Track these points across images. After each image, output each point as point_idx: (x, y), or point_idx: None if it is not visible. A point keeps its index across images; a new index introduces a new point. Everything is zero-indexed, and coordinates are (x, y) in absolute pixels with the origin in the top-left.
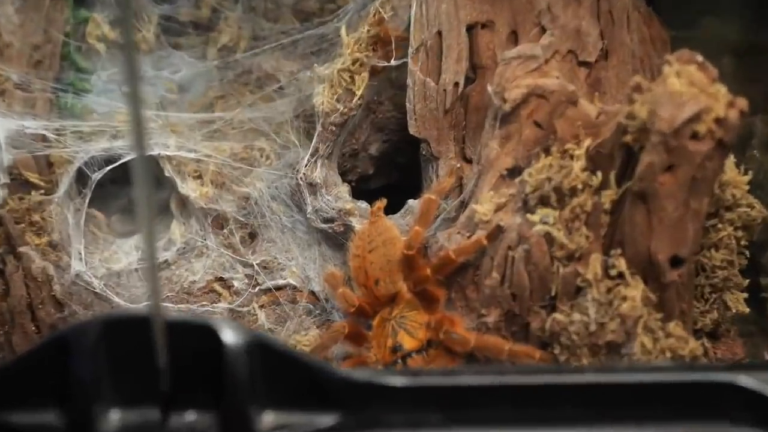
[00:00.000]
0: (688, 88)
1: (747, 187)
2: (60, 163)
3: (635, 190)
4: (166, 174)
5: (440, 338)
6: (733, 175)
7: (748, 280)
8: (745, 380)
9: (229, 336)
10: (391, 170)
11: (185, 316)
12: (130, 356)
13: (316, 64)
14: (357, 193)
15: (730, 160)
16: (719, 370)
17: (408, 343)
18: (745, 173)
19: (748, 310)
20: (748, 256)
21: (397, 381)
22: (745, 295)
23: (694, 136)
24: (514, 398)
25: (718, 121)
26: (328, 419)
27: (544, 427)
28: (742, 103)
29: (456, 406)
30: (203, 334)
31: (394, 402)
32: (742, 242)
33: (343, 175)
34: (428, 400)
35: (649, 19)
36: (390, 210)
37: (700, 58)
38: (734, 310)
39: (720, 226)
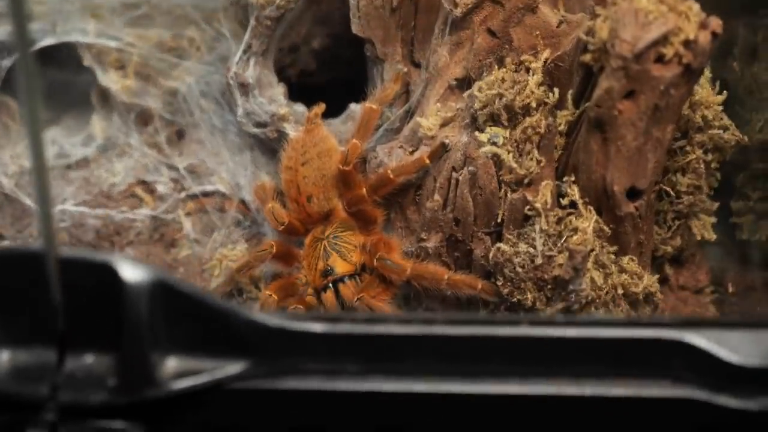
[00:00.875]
0: (656, 6)
1: (720, 108)
2: None
3: (591, 116)
4: (85, 63)
5: (375, 265)
6: (706, 95)
7: (717, 204)
8: (692, 338)
9: (129, 274)
10: (335, 66)
11: (81, 253)
12: (22, 294)
13: None
14: (298, 92)
15: (705, 76)
16: (665, 326)
17: (340, 266)
18: (723, 88)
19: (714, 236)
20: (719, 178)
21: (315, 327)
22: (713, 219)
23: (659, 59)
24: (442, 350)
25: (687, 43)
26: (237, 366)
27: (473, 381)
28: (716, 23)
29: (378, 357)
30: (101, 271)
31: (310, 350)
32: (713, 165)
33: (282, 71)
34: (347, 349)
35: None
36: (331, 113)
37: None
38: (699, 237)
39: (688, 149)
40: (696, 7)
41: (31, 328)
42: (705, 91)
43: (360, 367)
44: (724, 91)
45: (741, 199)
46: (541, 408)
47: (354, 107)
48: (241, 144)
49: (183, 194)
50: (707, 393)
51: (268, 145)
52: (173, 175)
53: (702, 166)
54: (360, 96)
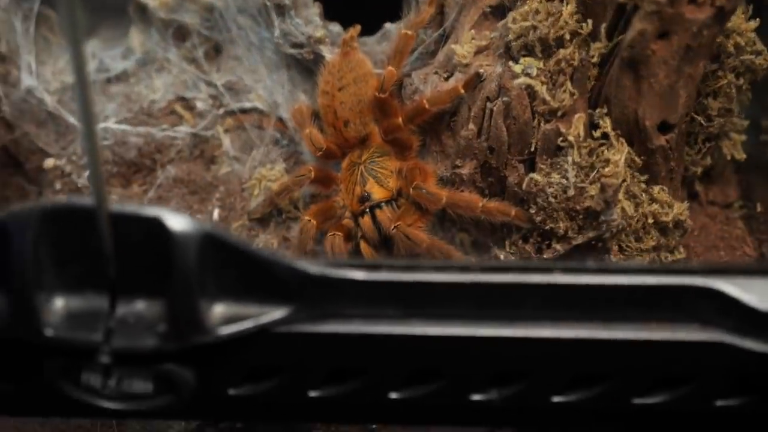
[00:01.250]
0: None
1: (753, 35)
2: None
3: (624, 56)
4: None
5: (411, 193)
6: (738, 22)
7: (747, 122)
8: (720, 284)
9: (176, 226)
10: None
11: (131, 207)
12: (74, 244)
13: None
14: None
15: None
16: (694, 273)
17: (377, 192)
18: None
19: (743, 156)
20: (750, 97)
21: (355, 275)
22: (744, 137)
23: (693, 1)
24: (477, 296)
25: None
26: (280, 311)
27: (507, 324)
28: None
29: (415, 302)
30: (151, 225)
31: (351, 296)
32: (744, 87)
33: None
34: (387, 295)
35: None
36: (366, 31)
37: None
38: (729, 157)
39: (720, 73)
40: None
41: (83, 275)
42: (738, 18)
43: (399, 312)
44: (757, 18)
45: None
46: (573, 351)
47: (389, 26)
48: (278, 62)
49: (222, 111)
50: (734, 337)
51: (304, 64)
52: (212, 91)
53: (733, 90)
54: (393, 14)
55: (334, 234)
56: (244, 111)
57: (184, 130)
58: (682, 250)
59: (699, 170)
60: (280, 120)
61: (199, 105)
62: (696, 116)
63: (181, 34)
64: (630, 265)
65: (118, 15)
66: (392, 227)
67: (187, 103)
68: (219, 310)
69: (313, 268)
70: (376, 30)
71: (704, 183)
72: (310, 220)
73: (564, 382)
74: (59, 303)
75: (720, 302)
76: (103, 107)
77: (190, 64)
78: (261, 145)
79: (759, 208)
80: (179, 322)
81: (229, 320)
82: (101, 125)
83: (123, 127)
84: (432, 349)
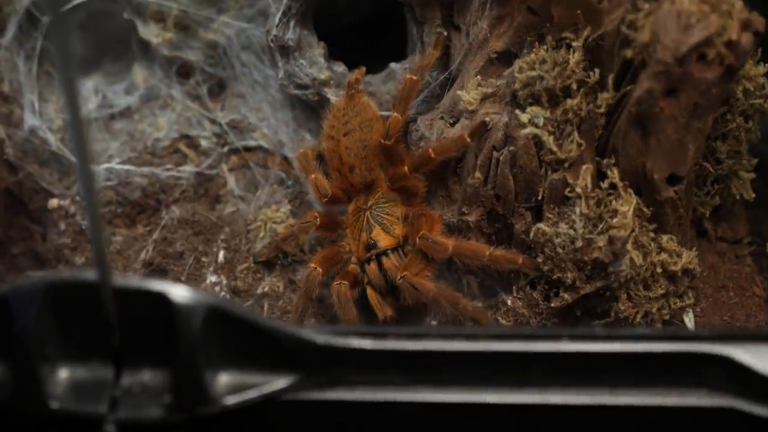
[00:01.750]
0: (699, 6)
1: (762, 80)
2: (4, 2)
3: (632, 112)
4: (125, 16)
5: (417, 243)
6: (748, 68)
7: (756, 160)
8: (730, 351)
9: (181, 299)
10: (365, 7)
11: (134, 282)
12: (77, 315)
13: None
14: (330, 39)
15: None
16: (703, 339)
17: (383, 240)
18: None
19: (753, 195)
20: (758, 135)
21: (361, 344)
22: (752, 175)
23: (701, 57)
24: (485, 364)
25: (729, 44)
26: (286, 380)
27: (515, 391)
28: (759, 21)
29: (423, 370)
30: (155, 298)
31: (357, 364)
32: (752, 127)
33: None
34: (393, 364)
35: None
36: (371, 70)
37: None
38: (738, 197)
39: (729, 117)
40: (739, 4)
41: (88, 345)
42: (747, 64)
43: (405, 379)
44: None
45: None
46: (581, 418)
47: (394, 66)
48: (283, 100)
49: (226, 149)
50: (743, 403)
51: (309, 104)
52: (216, 129)
53: (742, 133)
54: (395, 44)
55: (340, 283)
56: (248, 149)
57: (188, 169)
58: (690, 295)
59: (708, 211)
60: (285, 159)
61: (204, 143)
62: (704, 162)
63: (184, 71)
64: (638, 331)
65: (121, 48)
66: (399, 277)
67: (192, 142)
68: (224, 379)
69: (318, 337)
70: (380, 69)
71: (713, 220)
72: (315, 268)
73: None
74: (63, 374)
75: (729, 368)
76: (107, 146)
77: (194, 101)
78: (266, 185)
79: None
80: (184, 392)
81: (235, 389)
82: (105, 165)
83: (127, 167)
84: (439, 416)
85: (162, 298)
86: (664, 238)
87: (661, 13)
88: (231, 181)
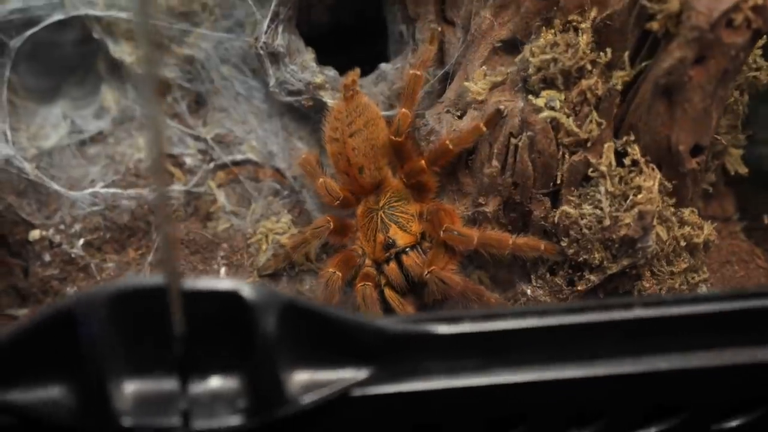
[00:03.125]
0: None
1: (759, 52)
2: None
3: (661, 83)
4: (95, 36)
5: (441, 236)
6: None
7: (745, 136)
8: None
9: (255, 298)
10: (346, 15)
11: (204, 283)
12: (144, 325)
13: None
14: (309, 43)
15: None
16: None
17: (401, 238)
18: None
19: (746, 170)
20: (746, 112)
21: (436, 329)
22: (742, 152)
23: (729, 24)
24: (557, 338)
25: (756, 9)
26: (362, 373)
27: (590, 365)
28: None
29: (496, 351)
30: (227, 298)
31: (432, 351)
32: (744, 104)
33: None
34: (468, 347)
35: None
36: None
37: None
38: (732, 172)
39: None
40: None
41: (153, 356)
42: None
43: (480, 362)
44: (765, 36)
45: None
46: (653, 384)
47: (384, 66)
48: (270, 110)
49: (212, 165)
50: None
51: (299, 111)
52: (200, 146)
53: (740, 107)
54: (376, 45)
55: (364, 284)
56: (236, 164)
57: (176, 188)
58: (705, 269)
59: (709, 187)
60: (277, 170)
61: (188, 161)
62: None
63: (160, 89)
64: (704, 294)
65: (81, 73)
66: (426, 272)
67: (176, 160)
68: (300, 378)
69: (392, 325)
70: (369, 72)
71: (702, 199)
72: (335, 272)
73: (643, 416)
74: (130, 388)
75: None
76: (86, 171)
77: (173, 119)
78: (260, 197)
79: (766, 221)
80: (262, 395)
81: (310, 387)
82: (88, 190)
83: (113, 190)
84: (515, 396)
85: (235, 298)
86: (686, 211)
87: None
88: (221, 197)
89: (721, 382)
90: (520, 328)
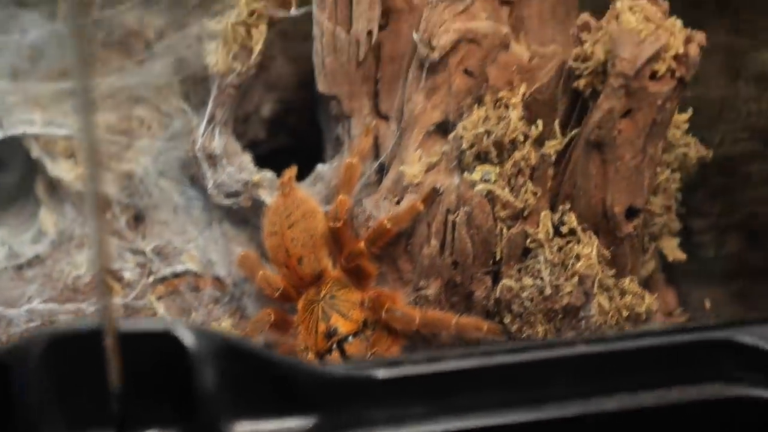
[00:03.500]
0: (645, 24)
1: (687, 126)
2: None
3: (591, 140)
4: (33, 155)
5: (382, 317)
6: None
7: (680, 225)
8: (742, 336)
9: (192, 341)
10: (283, 134)
11: (141, 324)
12: (81, 373)
13: (205, 19)
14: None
15: None
16: (713, 328)
17: (343, 326)
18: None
19: (684, 256)
20: (680, 198)
21: (378, 373)
22: (678, 239)
23: (653, 76)
24: (503, 379)
25: (678, 58)
26: (305, 422)
27: (537, 408)
28: (700, 37)
29: (442, 395)
30: (163, 341)
31: (376, 396)
32: (676, 185)
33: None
34: (412, 391)
35: None
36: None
37: None
38: (671, 258)
39: (658, 169)
40: (679, 23)
41: (90, 409)
42: None
43: (426, 409)
44: (690, 109)
45: (701, 216)
46: (604, 425)
47: (321, 168)
48: (209, 218)
49: (152, 278)
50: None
51: (238, 215)
52: (139, 259)
53: (672, 186)
54: (315, 159)
55: None
56: (176, 275)
57: (115, 302)
58: None
59: (645, 273)
60: (217, 279)
61: (127, 275)
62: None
63: (102, 205)
64: (647, 329)
65: (23, 199)
66: (369, 355)
67: (114, 274)
68: (242, 428)
69: (335, 370)
70: (306, 175)
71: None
72: None
73: None
74: None
75: (742, 355)
76: (23, 290)
77: (112, 235)
78: (200, 306)
79: (707, 305)
80: None
81: None
82: (25, 307)
83: (50, 306)
84: None
85: (171, 342)
86: (626, 280)
87: (614, 32)
88: (161, 309)
89: (672, 422)
90: (464, 369)
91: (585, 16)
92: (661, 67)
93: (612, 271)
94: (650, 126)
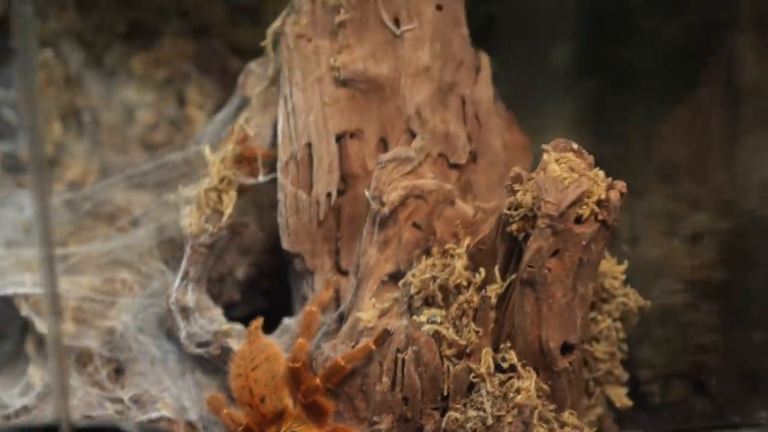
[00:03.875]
0: (569, 173)
1: (624, 277)
2: None
3: (524, 278)
4: (23, 313)
5: None
6: (610, 266)
7: (628, 375)
8: None
9: None
10: (257, 296)
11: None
12: None
13: (180, 186)
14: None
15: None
16: None
17: None
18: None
19: (631, 403)
20: (626, 350)
21: None
22: (626, 389)
23: (578, 219)
24: None
25: (600, 202)
26: None
27: None
28: (621, 185)
29: None
30: None
31: None
32: (620, 335)
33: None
34: None
35: (510, 124)
36: (264, 331)
37: (575, 145)
38: (619, 404)
39: (600, 317)
40: (601, 173)
41: None
42: (609, 263)
43: None
44: (626, 260)
45: (647, 367)
46: None
47: (287, 321)
48: (183, 368)
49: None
50: None
51: (209, 365)
52: (117, 407)
53: (614, 334)
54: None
55: None
56: (152, 421)
57: None
58: None
59: (593, 419)
60: (189, 424)
61: None
62: (585, 359)
63: (82, 360)
64: None
65: (14, 360)
66: None
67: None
68: None
69: None
70: (274, 328)
71: None
72: None
73: None
74: None
75: None
76: None
77: (93, 386)
78: None
79: None
80: None
81: None
82: None
83: None
84: None
85: None
86: (565, 414)
87: (540, 180)
88: None
89: None
90: None
91: (516, 169)
92: (584, 211)
93: (552, 406)
94: (578, 265)
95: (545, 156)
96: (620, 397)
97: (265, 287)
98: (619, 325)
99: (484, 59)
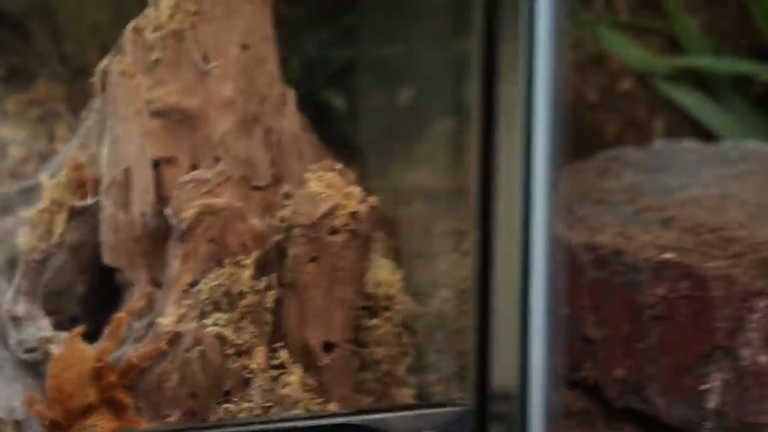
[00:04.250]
0: (325, 189)
1: (400, 285)
2: None
3: (287, 282)
4: None
5: None
6: (388, 276)
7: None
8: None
9: None
10: (97, 311)
11: None
12: None
13: (22, 208)
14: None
15: (389, 264)
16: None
17: None
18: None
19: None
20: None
21: None
22: (412, 391)
23: (333, 230)
24: None
25: (352, 215)
26: None
27: None
28: (373, 200)
29: None
30: None
31: None
32: (404, 340)
33: (51, 315)
34: None
35: (319, 151)
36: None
37: (339, 165)
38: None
39: (380, 323)
40: (357, 190)
41: None
42: (386, 272)
43: None
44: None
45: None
46: None
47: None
48: (17, 374)
49: None
50: None
51: (37, 369)
52: None
53: (396, 339)
54: None
55: None
56: None
57: None
58: None
59: None
60: (17, 422)
61: None
62: (366, 360)
63: None
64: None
65: None
66: None
67: None
68: None
69: None
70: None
71: None
72: None
73: None
74: None
75: None
76: None
77: None
78: None
79: None
80: None
81: None
82: None
83: None
84: None
85: None
86: (330, 406)
87: (298, 196)
88: None
89: None
90: None
91: (286, 187)
92: (337, 222)
93: (320, 399)
94: (333, 270)
95: (306, 174)
96: (405, 397)
97: (104, 302)
98: (401, 330)
99: (290, 94)
